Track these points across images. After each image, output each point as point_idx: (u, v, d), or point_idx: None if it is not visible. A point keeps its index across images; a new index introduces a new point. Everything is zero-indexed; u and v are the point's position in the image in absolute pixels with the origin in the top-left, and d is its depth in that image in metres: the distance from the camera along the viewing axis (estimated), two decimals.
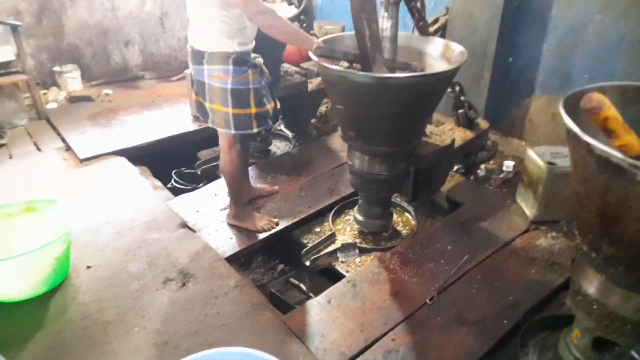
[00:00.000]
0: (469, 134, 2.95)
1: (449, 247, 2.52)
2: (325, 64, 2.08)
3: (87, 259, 2.37)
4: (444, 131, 2.83)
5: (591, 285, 1.59)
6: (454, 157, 2.87)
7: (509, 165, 3.22)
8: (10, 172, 3.17)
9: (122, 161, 3.36)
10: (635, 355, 1.90)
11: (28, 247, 2.03)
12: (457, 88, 2.93)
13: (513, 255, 2.46)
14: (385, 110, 2.09)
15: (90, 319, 2.02)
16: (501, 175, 3.19)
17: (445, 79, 2.17)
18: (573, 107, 1.41)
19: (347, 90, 2.12)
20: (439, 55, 2.35)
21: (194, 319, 2.00)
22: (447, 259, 2.44)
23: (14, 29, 3.72)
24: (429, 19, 3.21)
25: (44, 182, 3.05)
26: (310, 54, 2.16)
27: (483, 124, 3.08)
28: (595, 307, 1.58)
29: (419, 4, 2.59)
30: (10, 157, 3.39)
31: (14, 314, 2.06)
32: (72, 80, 4.47)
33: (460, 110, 2.95)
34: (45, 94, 4.36)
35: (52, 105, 4.24)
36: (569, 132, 1.38)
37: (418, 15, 2.60)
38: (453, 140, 2.68)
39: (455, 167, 3.26)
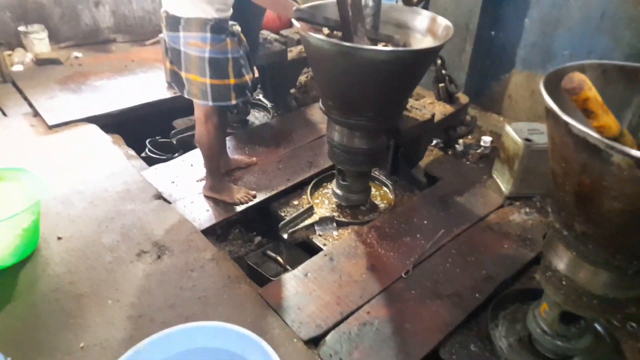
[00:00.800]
0: (449, 109, 2.94)
1: (426, 222, 2.55)
2: (308, 32, 2.01)
3: (58, 229, 2.31)
4: (424, 105, 2.82)
5: (561, 262, 1.62)
6: (433, 131, 2.87)
7: (486, 140, 3.24)
8: None
9: (94, 128, 3.25)
10: (599, 328, 1.99)
11: None
12: (439, 61, 2.90)
13: (487, 230, 2.50)
14: (366, 84, 2.05)
15: (62, 292, 1.98)
16: (479, 151, 3.21)
17: (430, 56, 2.13)
18: (553, 85, 1.41)
19: (328, 61, 2.07)
20: (424, 29, 2.30)
21: (170, 292, 1.98)
22: (423, 233, 2.47)
23: None
24: None
25: (11, 149, 2.92)
26: (294, 21, 2.09)
27: (463, 98, 3.08)
28: (564, 282, 1.62)
29: None
30: None
31: None
32: (39, 41, 4.24)
33: (441, 84, 2.94)
34: (10, 55, 4.13)
35: (17, 68, 4.02)
36: (549, 111, 1.38)
37: None
38: (433, 115, 2.67)
39: (434, 142, 3.27)
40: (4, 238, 2.00)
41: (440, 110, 2.89)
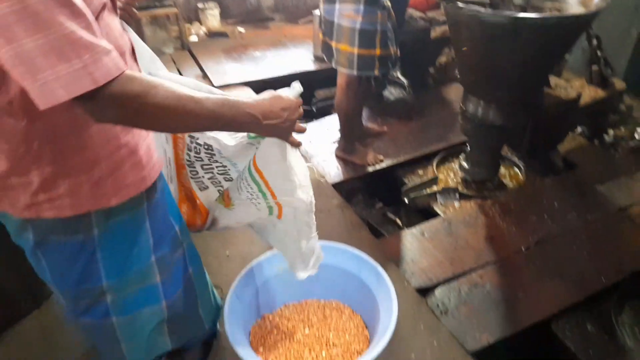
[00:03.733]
0: (600, 93, 2.75)
1: (556, 204, 2.45)
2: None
3: None
4: (572, 85, 2.67)
5: None
6: (578, 115, 2.72)
7: None
8: None
9: (249, 91, 3.71)
10: None
11: None
12: (595, 41, 2.71)
13: (627, 221, 2.32)
14: (507, 52, 2.06)
15: None
16: (631, 143, 2.94)
17: (580, 25, 2.05)
18: None
19: (474, 31, 2.12)
20: (576, 1, 2.21)
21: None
22: (552, 214, 2.39)
23: None
24: None
25: None
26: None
27: (618, 84, 2.84)
28: None
29: None
30: None
31: None
32: (212, 17, 4.91)
33: (595, 67, 2.75)
34: (189, 27, 4.87)
35: (193, 38, 4.73)
36: None
37: None
38: (579, 96, 2.53)
39: (579, 129, 3.07)
40: None
41: (590, 94, 2.72)
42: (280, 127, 1.04)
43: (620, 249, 2.16)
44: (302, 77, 3.94)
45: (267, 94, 1.08)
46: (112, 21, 0.97)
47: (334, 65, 2.59)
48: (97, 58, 0.76)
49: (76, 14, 0.76)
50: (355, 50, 2.42)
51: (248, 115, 0.99)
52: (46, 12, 0.71)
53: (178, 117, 0.90)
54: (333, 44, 2.51)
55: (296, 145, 1.14)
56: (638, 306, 1.91)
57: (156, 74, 1.17)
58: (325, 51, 2.65)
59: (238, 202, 1.37)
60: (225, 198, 1.40)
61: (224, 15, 5.09)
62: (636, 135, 2.96)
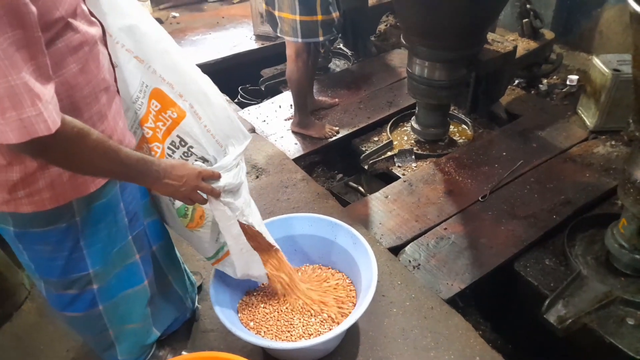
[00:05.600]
0: (532, 45, 2.91)
1: (505, 153, 2.61)
2: None
3: None
4: (507, 39, 2.81)
5: None
6: (515, 66, 2.87)
7: (572, 79, 3.16)
8: None
9: None
10: None
11: None
12: None
13: (569, 161, 2.51)
14: (449, 7, 2.13)
15: None
16: (564, 90, 3.14)
17: None
18: None
19: None
20: None
21: (268, 203, 2.28)
22: (502, 163, 2.54)
23: None
24: None
25: None
26: None
27: (548, 34, 3.01)
28: None
29: None
30: None
31: None
32: (142, 3, 4.69)
33: (525, 20, 2.90)
34: None
35: None
36: (632, 15, 1.41)
37: None
38: (515, 47, 2.67)
39: (517, 81, 3.25)
40: None
41: (524, 46, 2.87)
42: (176, 189, 1.14)
43: (565, 187, 2.34)
44: (246, 56, 3.94)
45: (176, 161, 1.20)
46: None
47: (278, 33, 2.60)
48: (41, 110, 0.79)
49: (33, 55, 0.79)
50: (298, 17, 2.43)
51: (154, 171, 1.09)
52: (6, 58, 0.74)
53: (103, 163, 0.97)
54: (276, 12, 2.51)
55: (189, 204, 1.24)
56: (587, 237, 2.09)
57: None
58: (270, 21, 2.65)
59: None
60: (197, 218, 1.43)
61: (155, 2, 4.88)
62: (567, 82, 3.17)
